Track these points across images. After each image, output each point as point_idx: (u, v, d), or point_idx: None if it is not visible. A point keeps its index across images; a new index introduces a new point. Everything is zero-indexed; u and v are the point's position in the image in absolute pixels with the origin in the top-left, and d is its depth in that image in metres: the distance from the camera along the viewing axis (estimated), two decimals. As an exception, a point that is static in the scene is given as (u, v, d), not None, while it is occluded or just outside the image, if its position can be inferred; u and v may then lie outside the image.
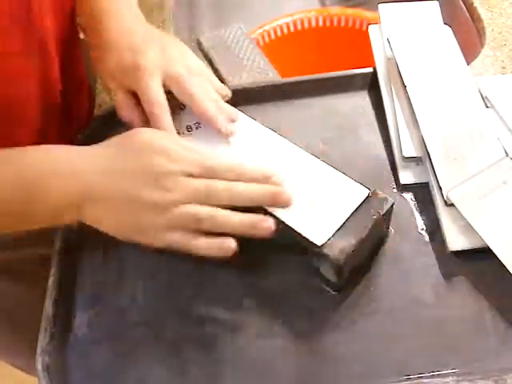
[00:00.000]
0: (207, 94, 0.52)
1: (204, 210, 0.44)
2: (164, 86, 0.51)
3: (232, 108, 0.53)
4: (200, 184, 0.45)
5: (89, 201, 0.45)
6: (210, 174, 0.46)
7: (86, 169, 0.46)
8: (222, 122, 0.51)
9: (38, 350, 0.44)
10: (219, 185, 0.45)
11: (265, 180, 0.46)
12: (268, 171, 0.47)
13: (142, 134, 0.47)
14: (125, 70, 0.51)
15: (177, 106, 0.53)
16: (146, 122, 0.51)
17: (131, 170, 0.45)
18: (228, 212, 0.45)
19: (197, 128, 0.53)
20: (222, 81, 0.76)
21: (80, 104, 0.65)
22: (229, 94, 0.55)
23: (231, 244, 0.44)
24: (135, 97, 0.52)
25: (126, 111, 0.53)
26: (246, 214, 0.45)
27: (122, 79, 0.52)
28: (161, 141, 0.47)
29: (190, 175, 0.45)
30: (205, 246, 0.45)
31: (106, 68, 0.53)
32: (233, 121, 0.52)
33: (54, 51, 0.53)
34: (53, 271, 0.48)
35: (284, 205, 0.46)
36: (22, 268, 0.62)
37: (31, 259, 0.61)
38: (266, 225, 0.44)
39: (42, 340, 0.44)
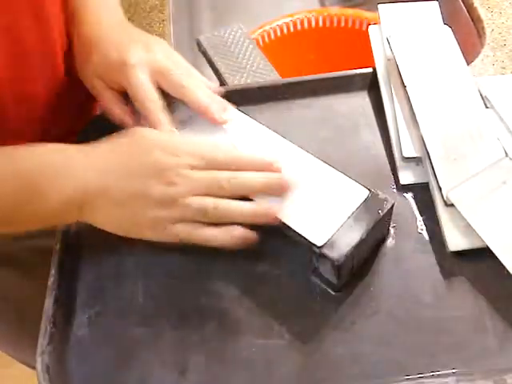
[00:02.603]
0: (198, 85, 0.52)
1: (209, 201, 0.45)
2: (153, 82, 0.51)
3: (222, 99, 0.53)
4: (202, 175, 0.45)
5: (90, 200, 0.45)
6: (211, 164, 0.46)
7: (85, 168, 0.46)
8: (216, 110, 0.51)
9: (38, 351, 0.44)
10: (222, 175, 0.46)
11: (266, 167, 0.47)
12: (268, 158, 0.47)
13: (140, 132, 0.48)
14: (112, 68, 0.51)
15: (167, 102, 0.53)
16: (137, 119, 0.52)
17: (133, 167, 0.46)
18: (234, 201, 0.45)
19: (190, 122, 0.53)
20: (222, 81, 0.76)
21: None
22: (216, 88, 0.54)
23: (239, 231, 0.45)
24: (122, 95, 0.52)
25: (117, 109, 0.52)
26: (251, 202, 0.45)
27: (109, 77, 0.52)
28: (159, 136, 0.47)
29: (192, 167, 0.45)
30: (210, 235, 0.45)
31: (91, 67, 0.53)
32: (225, 109, 0.52)
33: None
34: (53, 271, 0.48)
35: (286, 191, 0.46)
36: (24, 259, 0.63)
37: (31, 250, 0.61)
38: (272, 211, 0.45)
39: (42, 340, 0.44)
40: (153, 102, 0.50)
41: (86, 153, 0.47)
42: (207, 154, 0.47)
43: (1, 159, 0.46)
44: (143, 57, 0.51)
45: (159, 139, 0.47)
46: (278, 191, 0.46)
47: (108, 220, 0.47)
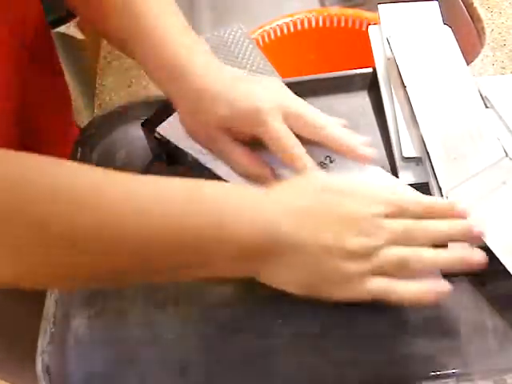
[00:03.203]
0: (333, 122, 0.48)
1: (409, 251, 0.41)
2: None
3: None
4: (398, 225, 0.41)
5: (279, 252, 0.40)
6: (403, 212, 0.42)
7: (275, 211, 0.40)
8: (360, 146, 0.47)
9: (38, 351, 0.44)
10: (416, 224, 0.42)
11: (451, 211, 0.43)
12: (458, 205, 0.44)
13: (321, 178, 0.44)
14: (240, 119, 0.47)
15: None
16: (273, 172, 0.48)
17: (327, 216, 0.41)
18: (433, 250, 0.42)
19: (331, 162, 0.50)
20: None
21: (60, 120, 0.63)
22: (345, 123, 0.50)
23: (447, 286, 0.41)
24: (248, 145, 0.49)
25: (252, 163, 0.48)
26: (451, 248, 0.43)
27: (235, 129, 0.48)
28: (342, 182, 0.43)
29: (385, 215, 0.41)
30: (417, 290, 0.41)
31: (215, 119, 0.48)
32: (366, 144, 0.48)
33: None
34: (53, 271, 0.48)
35: (477, 240, 0.43)
36: None
37: None
38: (477, 257, 0.41)
39: (42, 341, 0.44)
40: (297, 147, 0.47)
41: (263, 193, 0.41)
42: (394, 198, 0.42)
43: (183, 192, 0.39)
44: (270, 99, 0.47)
45: (343, 185, 0.42)
46: (471, 239, 0.43)
47: (292, 277, 0.41)
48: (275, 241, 0.39)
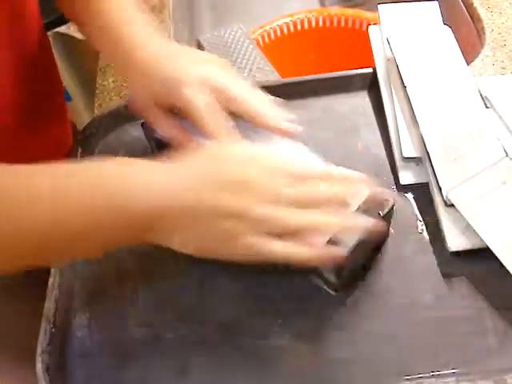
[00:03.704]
0: (258, 97, 0.50)
1: (289, 212, 0.42)
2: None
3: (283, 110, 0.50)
4: (290, 190, 0.42)
5: (170, 219, 0.41)
6: (298, 178, 0.43)
7: (170, 184, 0.42)
8: (283, 121, 0.48)
9: (38, 351, 0.44)
10: (320, 187, 0.43)
11: (352, 181, 0.45)
12: (353, 173, 0.45)
13: (223, 145, 0.46)
14: (166, 88, 0.49)
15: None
16: (188, 139, 0.50)
17: (216, 180, 0.42)
18: (319, 212, 0.42)
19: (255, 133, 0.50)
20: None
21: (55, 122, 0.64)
22: (276, 100, 0.52)
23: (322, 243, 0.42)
24: (174, 113, 0.50)
25: (172, 129, 0.50)
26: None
27: (162, 98, 0.50)
28: (243, 149, 0.45)
29: (279, 180, 0.43)
30: (290, 246, 0.42)
31: (140, 89, 0.51)
32: (288, 120, 0.49)
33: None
34: (53, 271, 0.48)
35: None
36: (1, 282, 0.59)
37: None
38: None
39: (42, 341, 0.44)
40: (219, 116, 0.48)
41: (161, 169, 0.43)
42: (293, 167, 0.44)
43: (80, 174, 0.42)
44: (198, 72, 0.49)
45: (242, 151, 0.45)
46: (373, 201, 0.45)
47: (188, 238, 0.42)
48: (167, 206, 0.41)
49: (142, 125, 0.54)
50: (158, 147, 0.54)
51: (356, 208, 0.45)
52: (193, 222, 0.41)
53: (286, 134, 0.49)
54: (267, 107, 0.49)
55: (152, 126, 0.52)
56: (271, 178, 0.43)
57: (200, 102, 0.48)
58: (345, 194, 0.44)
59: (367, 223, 0.43)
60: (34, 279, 0.51)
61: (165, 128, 0.51)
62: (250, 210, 0.41)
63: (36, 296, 0.49)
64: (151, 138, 0.53)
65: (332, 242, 0.43)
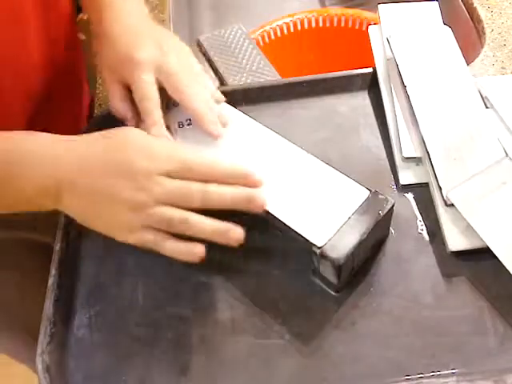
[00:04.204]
0: (199, 93, 0.51)
1: (177, 214, 0.44)
2: (157, 81, 0.51)
3: (225, 111, 0.53)
4: (175, 185, 0.44)
5: (65, 191, 0.45)
6: (186, 173, 0.45)
7: (67, 159, 0.45)
8: (210, 122, 0.50)
9: (38, 351, 0.44)
10: (193, 186, 0.44)
11: (243, 179, 0.45)
12: (247, 170, 0.46)
13: (125, 130, 0.47)
14: (120, 63, 0.51)
15: (170, 102, 0.53)
16: (138, 116, 0.51)
17: (107, 165, 0.45)
18: (201, 218, 0.44)
19: (188, 125, 0.52)
20: (222, 81, 0.76)
21: (73, 103, 0.65)
22: (221, 99, 0.53)
23: (200, 250, 0.43)
24: (129, 91, 0.52)
25: (119, 103, 0.52)
26: (218, 221, 0.44)
27: (116, 72, 0.52)
28: (142, 138, 0.47)
29: (168, 174, 0.44)
30: (173, 248, 0.44)
31: (102, 60, 0.53)
32: (223, 124, 0.51)
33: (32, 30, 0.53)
34: (53, 271, 0.48)
35: (258, 209, 0.45)
36: (7, 250, 0.63)
37: (15, 241, 0.62)
38: (235, 235, 0.43)
39: (42, 341, 0.44)
40: (150, 101, 0.49)
41: (63, 143, 0.47)
42: (185, 161, 0.45)
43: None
44: (151, 55, 0.50)
45: (140, 141, 0.46)
46: (250, 209, 0.45)
47: (80, 214, 0.46)
48: (55, 184, 0.45)
49: None
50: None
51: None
52: (85, 200, 0.45)
53: (211, 136, 0.50)
54: (203, 103, 0.50)
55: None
56: (159, 166, 0.44)
57: (143, 82, 0.50)
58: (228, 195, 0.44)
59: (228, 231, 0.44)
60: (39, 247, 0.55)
61: (115, 101, 0.52)
62: (146, 207, 0.43)
63: (40, 264, 0.51)
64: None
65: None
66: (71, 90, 0.65)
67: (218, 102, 0.53)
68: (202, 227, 0.44)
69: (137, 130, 0.48)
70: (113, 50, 0.52)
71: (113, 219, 0.45)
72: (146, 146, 0.46)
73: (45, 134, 0.47)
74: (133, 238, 0.45)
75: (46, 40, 0.55)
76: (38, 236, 0.64)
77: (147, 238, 0.44)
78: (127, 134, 0.46)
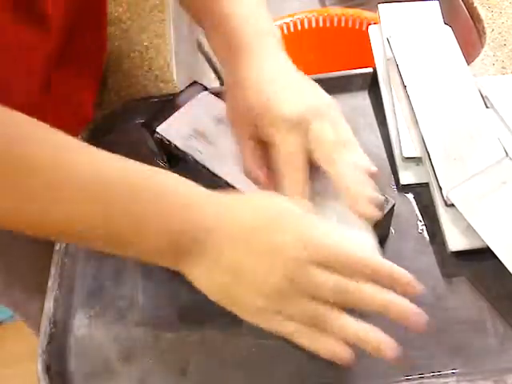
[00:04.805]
0: (349, 164, 0.44)
1: (324, 312, 0.38)
2: (306, 148, 0.45)
3: (374, 190, 0.44)
4: (328, 279, 0.38)
5: (194, 253, 0.40)
6: (343, 269, 0.39)
7: (211, 212, 0.40)
8: (363, 203, 0.43)
9: (38, 351, 0.44)
10: (350, 286, 0.38)
11: (401, 284, 0.38)
12: (406, 274, 0.38)
13: (282, 207, 0.41)
14: (267, 120, 0.45)
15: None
16: (270, 180, 0.46)
17: (262, 244, 0.39)
18: (353, 321, 0.39)
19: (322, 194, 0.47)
20: (222, 81, 0.76)
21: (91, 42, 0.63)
22: (372, 169, 0.44)
23: (348, 353, 0.38)
24: (263, 146, 0.47)
25: (253, 165, 0.46)
26: (370, 326, 0.39)
27: (252, 125, 0.46)
28: (298, 218, 0.40)
29: (320, 265, 0.38)
30: (324, 346, 0.39)
31: (239, 109, 0.48)
32: (371, 200, 0.43)
33: None
34: (53, 271, 0.48)
35: (415, 328, 0.38)
36: None
37: None
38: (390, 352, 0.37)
39: (42, 341, 0.44)
40: (300, 173, 0.44)
41: (215, 198, 0.41)
42: (342, 254, 0.39)
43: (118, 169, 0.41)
44: (299, 112, 0.44)
45: (296, 221, 0.40)
46: (396, 318, 0.38)
47: (208, 283, 0.40)
48: (198, 242, 0.39)
49: (143, 125, 0.54)
50: (158, 147, 0.54)
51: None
52: (224, 271, 0.39)
53: (362, 215, 0.43)
54: (354, 178, 0.43)
55: (168, 139, 0.51)
56: (315, 257, 0.38)
57: (285, 148, 0.44)
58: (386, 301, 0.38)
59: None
60: None
61: (248, 163, 0.47)
62: (292, 298, 0.38)
63: None
64: (151, 138, 0.53)
65: None
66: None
67: (368, 173, 0.44)
68: (354, 330, 0.38)
69: (292, 204, 0.41)
70: (250, 99, 0.46)
71: (250, 303, 0.39)
72: (305, 231, 0.39)
73: (184, 180, 0.41)
74: (270, 325, 0.40)
75: None
76: None
77: (289, 330, 0.39)
78: (287, 214, 0.40)
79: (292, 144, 0.44)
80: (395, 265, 0.39)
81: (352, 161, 0.44)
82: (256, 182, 0.47)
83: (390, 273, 0.39)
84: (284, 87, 0.46)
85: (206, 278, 0.40)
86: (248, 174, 0.47)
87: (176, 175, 0.41)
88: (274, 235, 0.39)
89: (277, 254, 0.38)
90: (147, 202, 0.39)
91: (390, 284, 0.38)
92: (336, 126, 0.45)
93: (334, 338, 0.38)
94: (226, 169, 0.49)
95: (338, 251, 0.39)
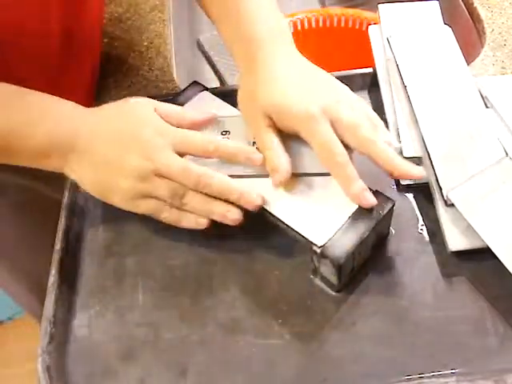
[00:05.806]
0: (383, 141, 0.46)
1: (182, 190, 0.46)
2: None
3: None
4: (181, 163, 0.46)
5: (75, 151, 0.47)
6: (195, 151, 0.48)
7: (83, 121, 0.48)
8: (406, 169, 0.45)
9: (39, 351, 0.44)
10: (198, 170, 0.46)
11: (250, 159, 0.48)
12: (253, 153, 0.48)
13: (141, 104, 0.50)
14: (292, 115, 0.46)
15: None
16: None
17: (122, 134, 0.48)
18: (204, 197, 0.47)
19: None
20: (222, 81, 0.76)
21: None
22: (395, 144, 0.49)
23: (206, 222, 0.47)
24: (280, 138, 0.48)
25: (281, 158, 0.47)
26: (220, 201, 0.47)
27: (284, 124, 0.48)
28: (158, 119, 0.49)
29: (176, 152, 0.47)
30: (181, 220, 0.48)
31: (258, 102, 0.48)
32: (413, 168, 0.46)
33: None
34: (53, 271, 0.48)
35: (250, 207, 0.46)
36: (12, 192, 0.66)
37: (18, 187, 0.65)
38: (233, 216, 0.46)
39: (42, 341, 0.44)
40: (343, 156, 0.45)
41: (88, 111, 0.49)
42: (193, 141, 0.48)
43: (13, 93, 0.48)
44: (330, 109, 0.46)
45: (152, 115, 0.49)
46: (239, 202, 0.46)
47: (85, 177, 0.49)
48: (72, 142, 0.47)
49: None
50: None
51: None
52: (95, 165, 0.48)
53: (416, 177, 0.46)
54: (392, 152, 0.46)
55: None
56: (168, 141, 0.47)
57: (328, 137, 0.45)
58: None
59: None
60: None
61: (275, 153, 0.47)
62: (150, 176, 0.46)
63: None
64: None
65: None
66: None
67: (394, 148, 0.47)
68: (206, 207, 0.47)
69: (152, 102, 0.50)
70: (273, 93, 0.48)
71: (117, 186, 0.47)
72: (159, 120, 0.49)
73: (70, 102, 0.50)
74: (134, 206, 0.48)
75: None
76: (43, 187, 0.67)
77: (150, 207, 0.48)
78: (145, 108, 0.49)
79: (331, 137, 0.45)
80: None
81: (386, 140, 0.47)
82: (279, 169, 0.46)
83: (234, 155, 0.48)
84: (304, 81, 0.49)
85: (85, 175, 0.49)
86: (278, 159, 0.47)
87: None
88: (138, 129, 0.48)
89: (137, 141, 0.47)
90: (39, 110, 0.48)
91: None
92: (360, 111, 0.47)
93: (193, 212, 0.48)
94: (224, 167, 0.49)
95: (189, 134, 0.48)
